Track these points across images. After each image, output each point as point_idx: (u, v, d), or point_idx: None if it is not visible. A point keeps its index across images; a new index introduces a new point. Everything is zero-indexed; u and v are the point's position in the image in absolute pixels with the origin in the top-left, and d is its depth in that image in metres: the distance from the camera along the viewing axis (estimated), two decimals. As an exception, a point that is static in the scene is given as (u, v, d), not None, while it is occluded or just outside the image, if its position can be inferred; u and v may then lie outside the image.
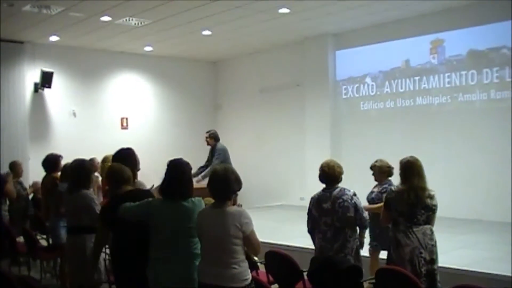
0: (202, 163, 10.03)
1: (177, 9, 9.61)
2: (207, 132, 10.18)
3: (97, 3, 9.18)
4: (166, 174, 4.13)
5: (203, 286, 3.84)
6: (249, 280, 3.83)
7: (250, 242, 3.82)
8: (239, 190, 3.96)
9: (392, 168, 6.16)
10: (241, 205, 4.21)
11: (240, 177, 3.95)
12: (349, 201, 4.96)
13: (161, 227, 4.02)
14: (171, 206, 4.01)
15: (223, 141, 10.14)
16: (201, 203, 4.07)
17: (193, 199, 4.07)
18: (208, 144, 10.08)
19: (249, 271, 3.87)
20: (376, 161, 6.32)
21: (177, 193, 4.02)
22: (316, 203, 5.12)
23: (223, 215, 3.80)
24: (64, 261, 6.38)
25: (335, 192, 5.02)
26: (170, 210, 4.00)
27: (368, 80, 11.83)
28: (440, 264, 4.86)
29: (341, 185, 5.13)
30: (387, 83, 11.48)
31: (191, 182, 4.19)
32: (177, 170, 4.11)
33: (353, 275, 4.59)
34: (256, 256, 4.66)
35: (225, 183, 3.86)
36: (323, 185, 5.19)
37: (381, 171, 6.22)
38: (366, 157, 11.21)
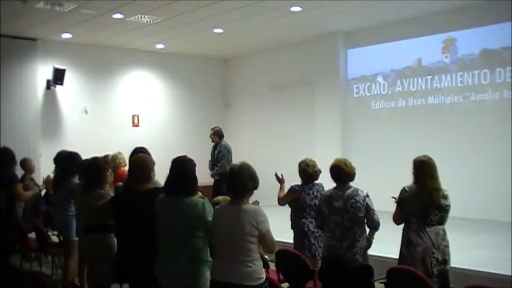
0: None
1: (188, 7, 9.62)
2: (211, 129, 10.41)
3: (109, 1, 9.21)
4: (170, 171, 4.14)
5: (217, 283, 3.83)
6: (264, 279, 3.81)
7: (265, 241, 3.80)
8: (255, 188, 3.91)
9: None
10: (258, 202, 4.17)
11: (257, 175, 3.91)
12: (361, 202, 4.96)
13: (163, 223, 4.04)
14: (173, 202, 4.02)
15: (233, 139, 10.26)
16: (206, 205, 4.00)
17: (199, 198, 4.05)
18: (212, 140, 10.31)
19: (263, 269, 3.86)
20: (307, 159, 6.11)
21: (180, 190, 4.02)
22: (328, 200, 5.10)
23: (239, 213, 3.78)
24: (69, 257, 6.41)
25: (349, 191, 5.01)
26: (173, 207, 4.01)
27: (379, 79, 11.78)
28: (452, 264, 4.84)
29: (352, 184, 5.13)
30: (398, 82, 11.43)
31: (195, 179, 4.15)
32: (180, 167, 4.11)
33: (363, 274, 4.59)
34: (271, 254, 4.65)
35: (238, 180, 3.84)
36: (331, 184, 5.20)
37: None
38: (376, 157, 11.35)
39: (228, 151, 10.25)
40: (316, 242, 5.84)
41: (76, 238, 6.21)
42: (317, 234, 5.81)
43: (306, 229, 5.92)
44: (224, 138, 10.44)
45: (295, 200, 6.03)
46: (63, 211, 6.38)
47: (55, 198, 6.80)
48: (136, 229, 4.36)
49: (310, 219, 5.88)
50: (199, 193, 4.22)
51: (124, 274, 4.61)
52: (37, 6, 9.45)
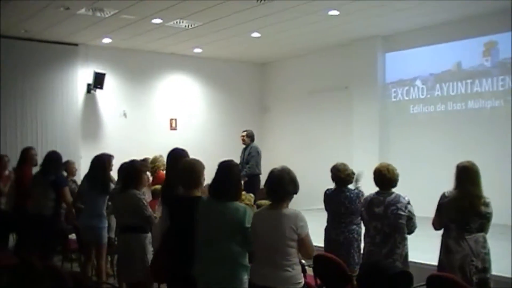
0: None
1: (226, 11, 9.69)
2: (244, 131, 10.57)
3: (149, 6, 9.34)
4: (215, 174, 4.17)
5: (256, 287, 3.84)
6: (302, 284, 3.82)
7: (304, 245, 3.80)
8: (295, 192, 3.91)
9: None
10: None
11: (297, 179, 3.91)
12: (403, 209, 4.88)
13: (204, 225, 4.06)
14: (216, 205, 4.03)
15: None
16: (247, 211, 4.01)
17: (241, 204, 4.07)
18: (244, 142, 10.48)
19: (302, 274, 3.86)
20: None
21: (224, 193, 4.04)
22: (368, 205, 5.06)
23: (279, 217, 3.79)
24: (101, 259, 6.49)
25: (390, 198, 4.94)
26: (214, 210, 4.03)
27: (418, 83, 11.64)
28: (493, 273, 4.75)
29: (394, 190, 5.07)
30: (437, 86, 11.28)
31: (239, 183, 4.20)
32: (226, 171, 4.13)
33: (403, 281, 4.53)
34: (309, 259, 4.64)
35: (278, 184, 3.85)
36: (368, 189, 5.15)
37: None
38: (415, 162, 11.20)
39: (258, 153, 10.39)
40: (337, 249, 5.60)
41: (106, 241, 6.37)
42: (339, 242, 5.66)
43: (326, 234, 5.85)
44: (254, 142, 10.58)
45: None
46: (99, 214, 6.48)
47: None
48: (175, 233, 4.39)
49: (332, 224, 5.79)
50: (251, 197, 4.22)
51: (163, 275, 4.67)
52: (79, 12, 9.66)
